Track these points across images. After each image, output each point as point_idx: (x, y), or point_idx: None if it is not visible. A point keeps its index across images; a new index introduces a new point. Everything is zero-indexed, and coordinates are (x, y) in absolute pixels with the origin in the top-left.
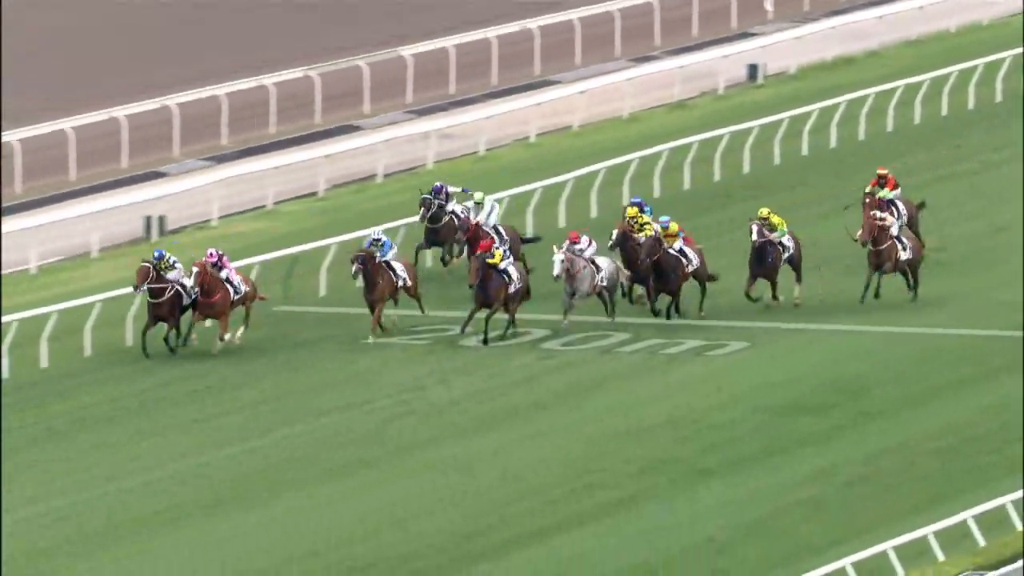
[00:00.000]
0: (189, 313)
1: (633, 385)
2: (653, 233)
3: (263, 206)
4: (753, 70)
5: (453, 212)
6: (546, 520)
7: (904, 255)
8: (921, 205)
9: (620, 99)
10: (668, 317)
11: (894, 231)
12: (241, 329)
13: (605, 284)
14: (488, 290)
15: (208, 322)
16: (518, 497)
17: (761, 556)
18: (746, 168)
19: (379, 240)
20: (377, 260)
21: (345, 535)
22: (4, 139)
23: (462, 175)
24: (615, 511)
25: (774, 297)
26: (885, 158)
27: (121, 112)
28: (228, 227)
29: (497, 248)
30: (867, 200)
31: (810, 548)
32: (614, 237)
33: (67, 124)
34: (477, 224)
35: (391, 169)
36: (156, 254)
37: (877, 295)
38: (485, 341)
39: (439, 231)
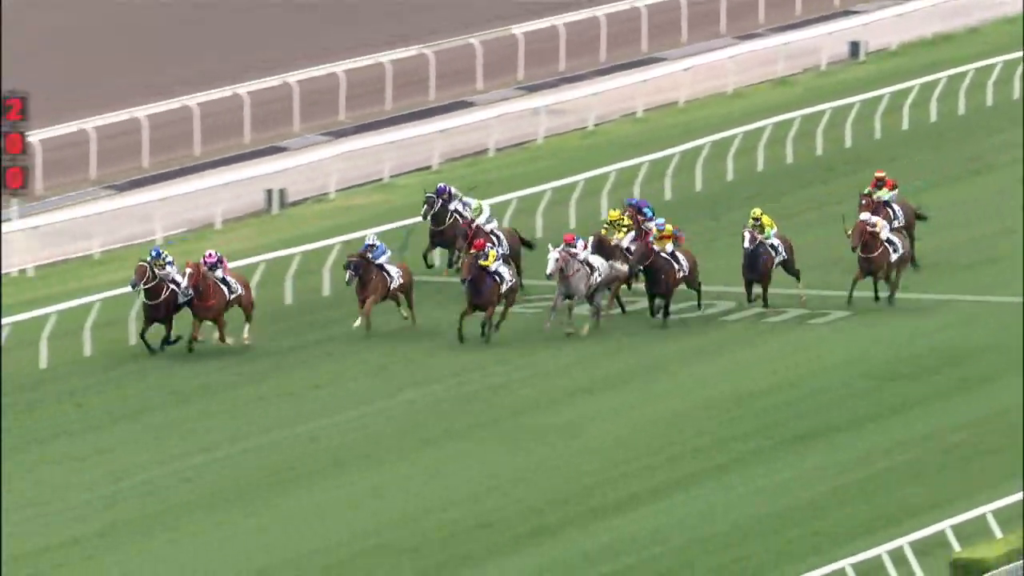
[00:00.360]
0: (189, 316)
1: (736, 352)
2: (631, 237)
3: (380, 179)
4: (855, 47)
5: (456, 212)
6: (648, 483)
7: (894, 257)
8: (919, 217)
9: (724, 76)
10: (665, 317)
11: (884, 234)
12: (246, 328)
13: (600, 283)
14: (482, 293)
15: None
16: (623, 460)
17: (860, 519)
18: (848, 142)
19: (373, 245)
20: (370, 260)
21: (452, 498)
22: (135, 113)
23: (571, 150)
24: (716, 475)
25: (764, 304)
26: (984, 133)
27: (244, 89)
28: (346, 200)
29: (491, 248)
30: (863, 201)
31: (909, 511)
32: (590, 245)
33: (192, 100)
34: (476, 226)
35: (502, 144)
36: (153, 252)
37: (877, 298)
38: (483, 333)
39: (444, 232)
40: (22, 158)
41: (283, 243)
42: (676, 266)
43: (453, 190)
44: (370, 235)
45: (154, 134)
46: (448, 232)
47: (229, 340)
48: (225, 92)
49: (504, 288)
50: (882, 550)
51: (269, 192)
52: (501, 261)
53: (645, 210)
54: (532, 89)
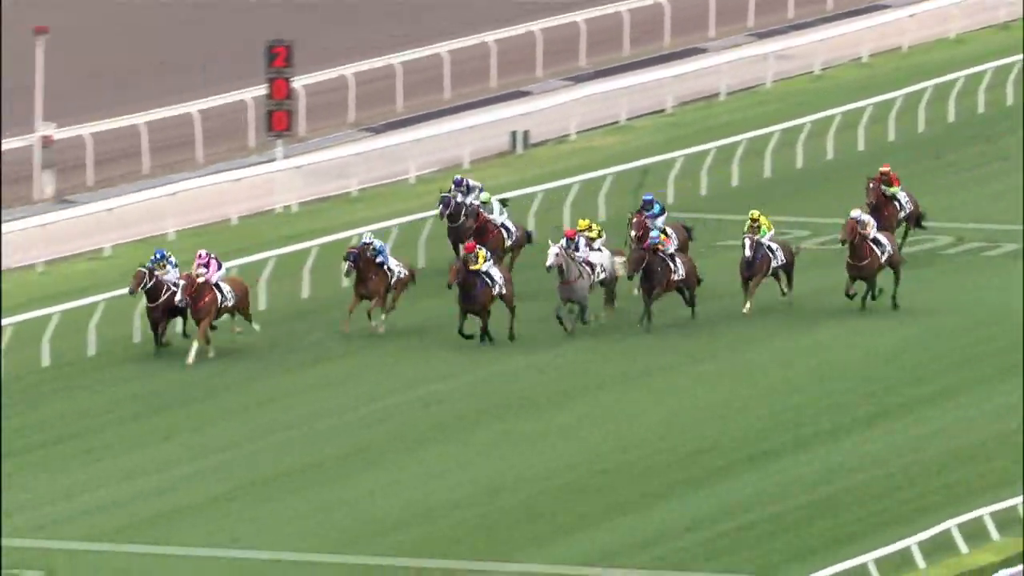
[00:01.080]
0: (180, 316)
1: (926, 288)
2: (601, 244)
3: (616, 122)
4: None
5: (470, 205)
6: (840, 419)
7: (883, 259)
8: (921, 217)
9: (948, 21)
10: (643, 323)
11: (872, 234)
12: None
13: (603, 279)
14: (474, 296)
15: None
16: (827, 394)
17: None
18: None
19: (370, 244)
20: (369, 256)
21: (642, 437)
22: (390, 61)
23: (798, 93)
24: (898, 415)
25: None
26: None
27: (491, 37)
28: (585, 141)
29: (480, 250)
30: (871, 185)
31: None
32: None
33: (443, 48)
34: (486, 218)
35: (733, 88)
36: (157, 254)
37: (863, 305)
38: (481, 338)
39: (458, 230)
40: (287, 103)
41: (527, 181)
42: (672, 267)
43: (470, 183)
44: (366, 234)
45: (407, 79)
46: (462, 229)
47: (198, 345)
48: (472, 40)
49: (496, 291)
50: None
51: (514, 134)
52: (492, 262)
53: (656, 208)
54: (762, 36)
